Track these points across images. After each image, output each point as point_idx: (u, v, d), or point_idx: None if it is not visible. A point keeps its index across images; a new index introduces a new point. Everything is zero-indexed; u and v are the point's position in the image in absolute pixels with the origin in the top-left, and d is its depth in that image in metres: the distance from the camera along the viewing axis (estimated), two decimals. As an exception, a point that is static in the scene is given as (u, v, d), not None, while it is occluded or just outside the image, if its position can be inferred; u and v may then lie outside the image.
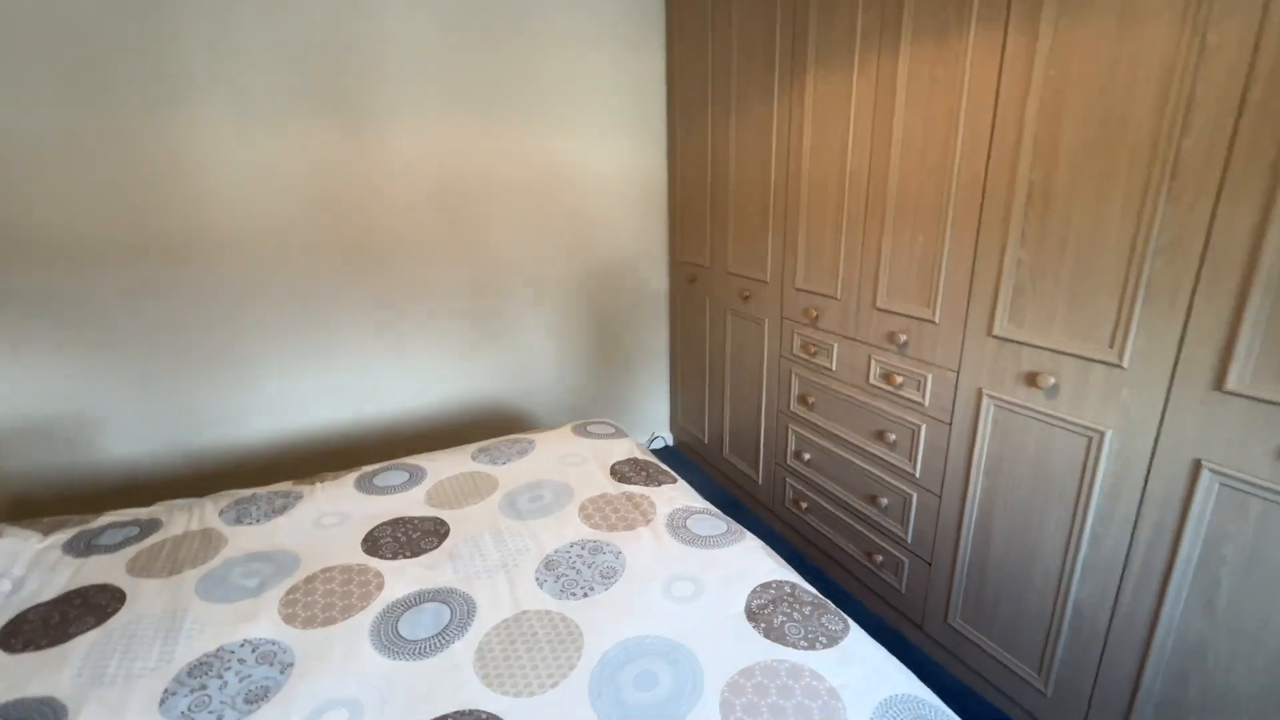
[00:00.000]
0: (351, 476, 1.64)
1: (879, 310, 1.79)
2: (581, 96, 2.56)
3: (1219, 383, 1.08)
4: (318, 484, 1.59)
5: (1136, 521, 1.24)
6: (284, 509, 1.47)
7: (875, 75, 1.68)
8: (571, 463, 1.68)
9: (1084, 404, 1.30)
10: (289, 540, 1.35)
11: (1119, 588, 1.29)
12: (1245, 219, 1.01)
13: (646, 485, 1.55)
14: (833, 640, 1.04)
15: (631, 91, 2.67)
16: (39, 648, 1.05)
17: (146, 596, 1.17)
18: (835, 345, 1.98)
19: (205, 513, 1.46)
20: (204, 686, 0.96)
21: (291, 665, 1.00)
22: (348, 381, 2.38)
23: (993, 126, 1.40)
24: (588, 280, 2.79)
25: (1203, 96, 1.05)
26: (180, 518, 1.44)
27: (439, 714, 0.91)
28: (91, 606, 1.15)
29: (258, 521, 1.42)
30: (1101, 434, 1.28)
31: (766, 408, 2.37)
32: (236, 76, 1.97)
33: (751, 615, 1.09)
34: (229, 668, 1.00)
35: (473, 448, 1.80)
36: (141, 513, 1.47)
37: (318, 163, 2.15)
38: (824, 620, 1.08)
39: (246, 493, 1.55)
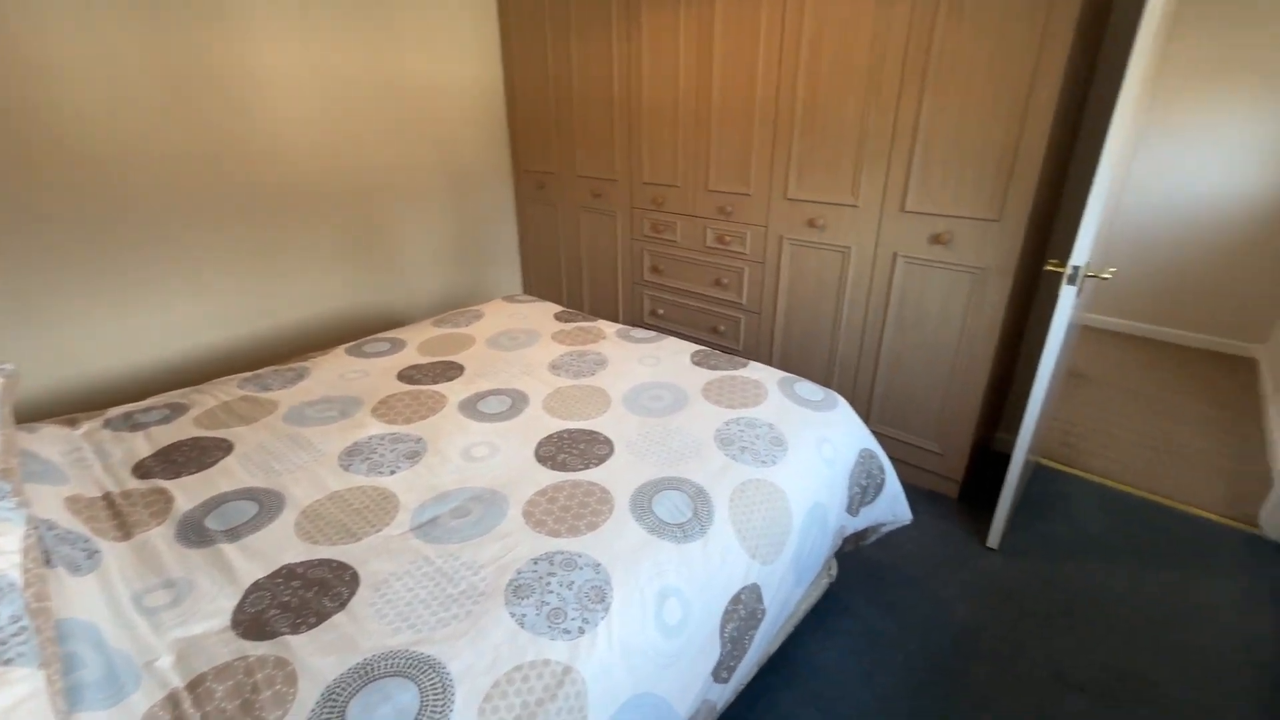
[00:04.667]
0: (339, 350, 1.91)
1: (710, 191, 2.54)
2: (431, 15, 2.76)
3: (903, 207, 2.04)
4: (312, 359, 1.84)
5: (869, 296, 2.22)
6: (301, 376, 1.72)
7: (697, 18, 2.34)
8: (520, 316, 2.16)
9: (839, 232, 2.22)
10: (331, 391, 1.64)
11: (862, 336, 2.29)
12: (910, 113, 1.93)
13: (585, 321, 2.13)
14: (743, 365, 1.79)
15: (471, 16, 2.94)
16: (193, 473, 1.28)
17: (247, 435, 1.43)
18: (678, 223, 2.71)
19: (225, 389, 1.64)
20: (367, 458, 1.34)
21: (421, 439, 1.42)
22: (225, 302, 2.39)
23: (780, 60, 2.17)
24: (446, 188, 3.08)
25: (890, 45, 1.92)
26: (200, 399, 1.61)
27: (544, 435, 1.44)
28: (205, 449, 1.37)
29: (285, 387, 1.66)
30: (849, 249, 2.21)
31: (623, 281, 3.04)
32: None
33: (698, 363, 1.80)
34: (375, 450, 1.37)
35: (429, 321, 2.16)
36: (152, 401, 1.59)
37: (177, 69, 2.09)
38: (735, 360, 1.83)
39: (248, 374, 1.74)
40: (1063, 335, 1.74)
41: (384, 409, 1.55)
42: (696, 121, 2.48)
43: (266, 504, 1.20)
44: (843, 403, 1.63)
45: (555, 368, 1.78)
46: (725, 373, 1.74)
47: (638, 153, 2.74)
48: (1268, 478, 2.33)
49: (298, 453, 1.36)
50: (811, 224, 2.27)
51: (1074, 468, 2.43)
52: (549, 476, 1.28)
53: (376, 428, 1.46)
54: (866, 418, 2.35)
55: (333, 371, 1.76)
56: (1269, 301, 3.35)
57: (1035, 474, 2.39)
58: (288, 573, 1.03)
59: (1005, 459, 1.96)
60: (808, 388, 1.67)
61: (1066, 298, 1.69)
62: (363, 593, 0.98)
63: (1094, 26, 1.84)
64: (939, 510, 2.17)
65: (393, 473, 1.29)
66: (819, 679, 1.55)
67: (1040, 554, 1.97)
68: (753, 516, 1.22)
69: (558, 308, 2.30)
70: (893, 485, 1.59)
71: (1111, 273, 1.72)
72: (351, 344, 1.96)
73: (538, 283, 3.53)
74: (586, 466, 1.32)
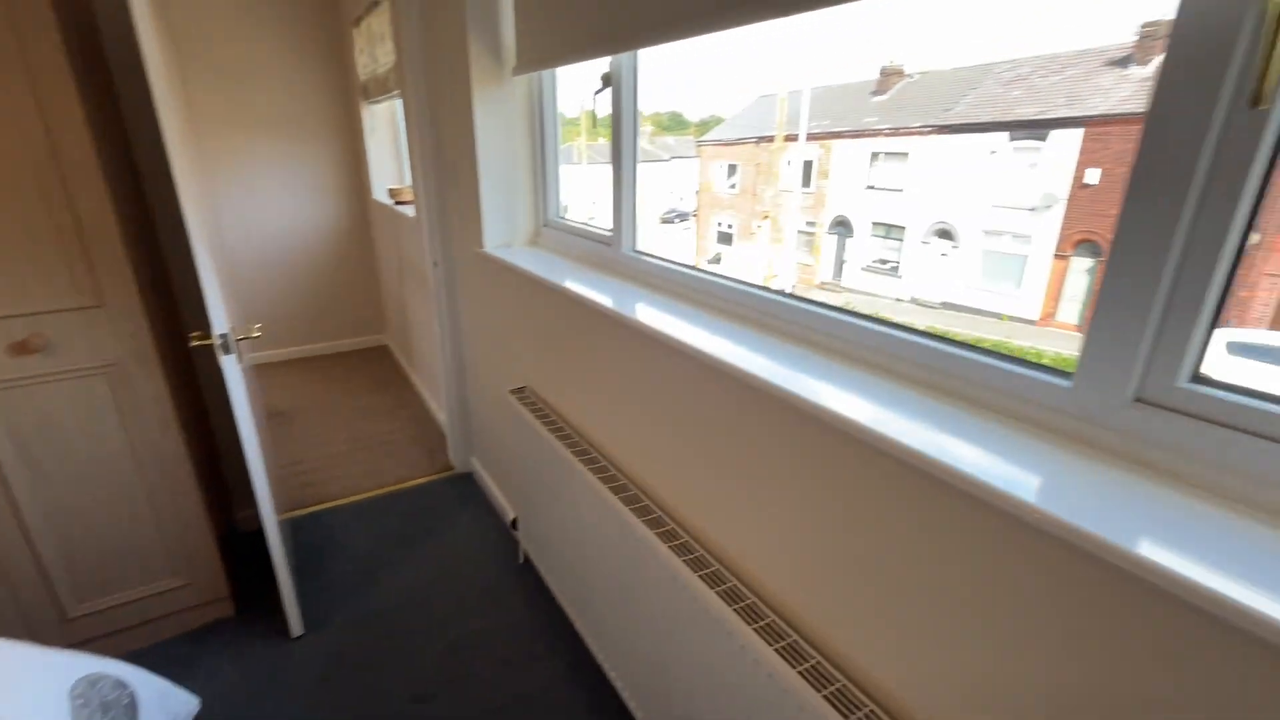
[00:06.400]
0: None
1: None
2: None
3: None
4: None
5: None
6: None
7: None
8: None
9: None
10: None
11: (-24, 511, 1.49)
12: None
13: None
14: None
15: None
16: None
17: None
18: None
19: None
20: None
21: None
22: None
23: None
24: None
25: None
26: None
27: None
28: None
29: None
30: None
31: None
32: None
33: None
34: None
35: None
36: None
37: None
38: None
39: None
40: (245, 398, 1.63)
41: None
42: None
43: None
44: (-7, 645, 1.01)
45: None
46: None
47: None
48: (440, 430, 3.07)
49: None
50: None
51: (322, 503, 2.49)
52: None
53: None
54: (80, 631, 1.63)
55: None
56: (373, 299, 4.27)
57: (295, 531, 2.30)
58: None
59: (261, 534, 1.78)
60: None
61: (230, 365, 1.56)
62: None
63: (93, 69, 1.62)
64: (225, 640, 1.80)
65: None
66: None
67: (342, 606, 1.94)
68: None
69: None
70: (148, 687, 1.15)
71: (259, 330, 1.70)
72: None
73: None
74: None
